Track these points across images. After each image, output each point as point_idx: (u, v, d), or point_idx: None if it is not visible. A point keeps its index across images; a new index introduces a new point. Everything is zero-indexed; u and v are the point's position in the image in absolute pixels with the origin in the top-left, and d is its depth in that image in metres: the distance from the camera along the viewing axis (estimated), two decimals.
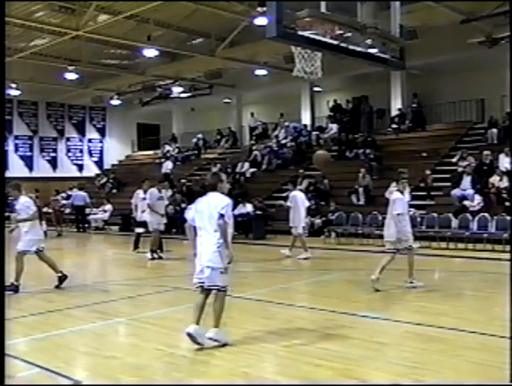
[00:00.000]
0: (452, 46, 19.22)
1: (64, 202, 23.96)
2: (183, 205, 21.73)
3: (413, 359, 5.46)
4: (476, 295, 9.29)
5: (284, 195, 17.92)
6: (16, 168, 30.37)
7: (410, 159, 19.02)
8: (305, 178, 19.66)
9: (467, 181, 16.30)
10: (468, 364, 5.36)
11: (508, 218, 14.09)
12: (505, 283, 8.62)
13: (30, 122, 31.98)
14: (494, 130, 19.19)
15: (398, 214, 9.22)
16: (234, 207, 19.85)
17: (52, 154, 32.90)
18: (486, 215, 14.57)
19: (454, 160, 18.16)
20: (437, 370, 5.14)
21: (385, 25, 8.78)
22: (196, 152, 29.76)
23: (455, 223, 14.94)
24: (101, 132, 34.88)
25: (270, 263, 12.96)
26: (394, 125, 22.61)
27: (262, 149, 25.14)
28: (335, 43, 8.24)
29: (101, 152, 34.88)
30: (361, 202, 18.71)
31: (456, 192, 16.29)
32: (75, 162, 33.82)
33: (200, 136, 30.09)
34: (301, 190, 14.75)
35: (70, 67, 23.78)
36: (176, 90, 27.24)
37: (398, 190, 9.51)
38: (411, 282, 9.21)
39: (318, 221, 17.96)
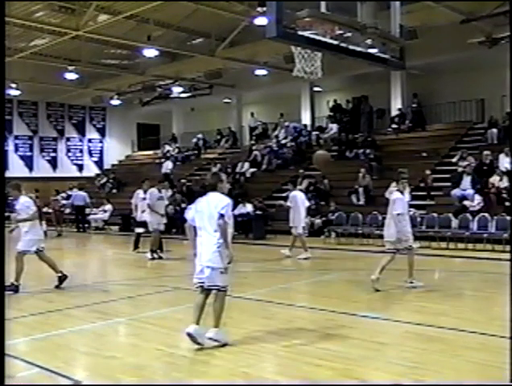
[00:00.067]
0: (451, 46, 19.22)
1: (63, 202, 23.97)
2: (183, 205, 21.73)
3: (413, 359, 5.46)
4: (476, 295, 9.29)
5: (284, 195, 17.92)
6: (16, 168, 30.37)
7: (410, 159, 19.02)
8: (305, 178, 19.66)
9: (467, 181, 16.30)
10: (468, 364, 5.36)
11: (508, 218, 14.08)
12: (505, 283, 8.62)
13: (30, 122, 31.99)
14: (494, 130, 19.19)
15: (398, 214, 9.23)
16: (234, 207, 19.86)
17: (52, 154, 32.90)
18: (486, 215, 14.57)
19: (454, 160, 18.17)
20: (437, 370, 5.14)
21: (385, 25, 8.78)
22: (196, 152, 29.76)
23: (455, 223, 14.94)
24: (101, 132, 34.88)
25: (270, 263, 12.96)
26: (394, 125, 22.61)
27: (262, 149, 25.14)
28: (335, 43, 8.24)
29: (101, 152, 34.88)
30: (361, 202, 18.71)
31: (456, 192, 16.29)
32: (75, 162, 33.82)
33: (200, 136, 30.10)
34: (301, 190, 14.74)
35: (70, 67, 23.78)
36: (176, 90, 27.25)
37: (398, 190, 9.50)
38: (411, 282, 9.22)
39: (318, 221, 17.96)
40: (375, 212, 16.50)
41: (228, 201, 6.04)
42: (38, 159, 32.28)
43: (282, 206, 14.20)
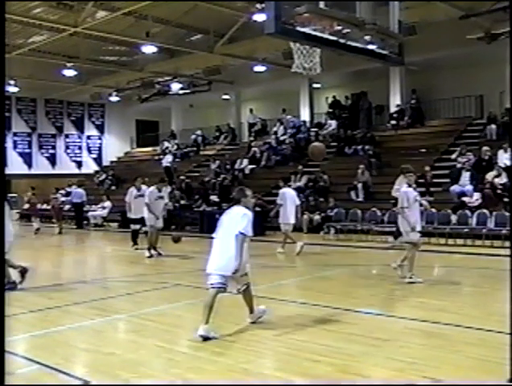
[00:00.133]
0: (450, 42, 19.21)
1: (63, 199, 23.95)
2: (182, 202, 21.79)
3: (412, 355, 5.46)
4: (475, 291, 9.30)
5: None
6: (15, 165, 30.35)
7: (409, 155, 19.02)
8: (304, 175, 19.65)
9: (466, 177, 16.30)
10: (467, 360, 5.36)
11: (507, 214, 14.09)
12: (504, 279, 8.62)
13: (28, 119, 31.97)
14: (493, 126, 19.18)
15: (402, 207, 9.24)
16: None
17: (51, 151, 32.90)
18: (485, 211, 14.58)
19: (453, 156, 18.16)
20: (436, 365, 5.15)
21: (383, 21, 8.79)
22: (194, 148, 29.76)
23: (454, 219, 14.95)
24: (100, 128, 34.87)
25: (270, 259, 12.96)
26: (393, 122, 22.60)
27: (261, 145, 25.15)
28: (334, 38, 8.25)
29: (100, 149, 34.87)
30: (360, 198, 18.72)
31: (454, 188, 16.30)
32: (74, 158, 33.82)
33: (198, 132, 30.09)
34: (297, 187, 14.71)
35: (68, 64, 23.77)
36: (175, 87, 27.23)
37: (407, 182, 9.55)
38: (410, 277, 9.23)
39: (317, 217, 17.96)
40: (374, 208, 16.53)
41: (248, 218, 6.29)
42: (37, 156, 32.27)
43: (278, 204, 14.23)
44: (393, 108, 23.00)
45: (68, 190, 25.17)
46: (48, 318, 7.43)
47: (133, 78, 27.25)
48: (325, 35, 8.17)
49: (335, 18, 8.09)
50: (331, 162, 22.04)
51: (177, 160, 28.56)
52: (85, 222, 23.29)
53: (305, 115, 26.35)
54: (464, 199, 15.71)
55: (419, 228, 9.42)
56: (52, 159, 32.90)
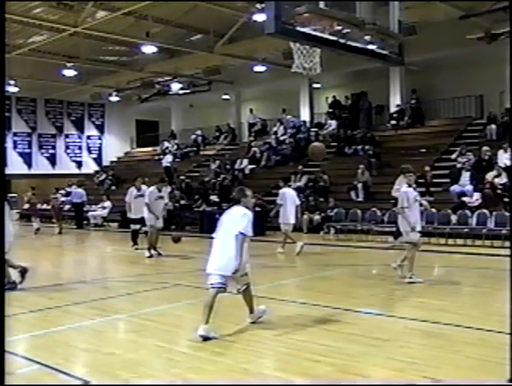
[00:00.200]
0: (450, 42, 19.21)
1: (63, 199, 23.95)
2: (182, 202, 21.79)
3: (412, 355, 5.46)
4: (475, 291, 9.31)
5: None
6: (15, 165, 30.35)
7: (409, 155, 19.02)
8: (304, 175, 19.65)
9: (466, 177, 16.30)
10: (467, 360, 5.36)
11: (507, 214, 14.09)
12: (504, 279, 8.62)
13: (28, 119, 31.97)
14: (493, 126, 19.18)
15: (402, 207, 9.25)
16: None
17: (51, 151, 32.90)
18: (485, 211, 14.57)
19: (453, 156, 18.15)
20: (436, 365, 5.15)
21: (383, 21, 8.78)
22: (194, 148, 29.76)
23: (454, 219, 14.95)
24: (100, 129, 34.87)
25: (270, 259, 12.96)
26: (393, 122, 22.60)
27: (261, 145, 25.14)
28: (334, 38, 8.25)
29: (100, 149, 34.88)
30: (360, 198, 18.72)
31: (454, 188, 16.30)
32: (74, 158, 33.83)
33: (198, 132, 30.09)
34: (297, 187, 14.72)
35: (68, 64, 23.78)
36: (175, 87, 27.23)
37: (407, 182, 9.56)
38: (410, 277, 9.23)
39: (317, 217, 17.96)
40: (374, 208, 16.53)
41: (248, 218, 6.30)
42: (37, 156, 32.28)
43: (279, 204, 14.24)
44: (393, 108, 23.00)
45: (68, 190, 25.17)
46: (48, 318, 7.43)
47: (133, 78, 27.26)
48: (325, 35, 8.17)
49: (335, 18, 8.09)
50: (331, 162, 22.04)
51: (177, 160, 28.56)
52: (85, 222, 23.29)
53: (305, 115, 26.35)
54: (464, 199, 15.71)
55: (419, 228, 9.42)
56: (52, 159, 32.90)
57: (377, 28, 8.47)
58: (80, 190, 23.53)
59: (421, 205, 9.72)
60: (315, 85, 26.40)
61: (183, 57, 24.31)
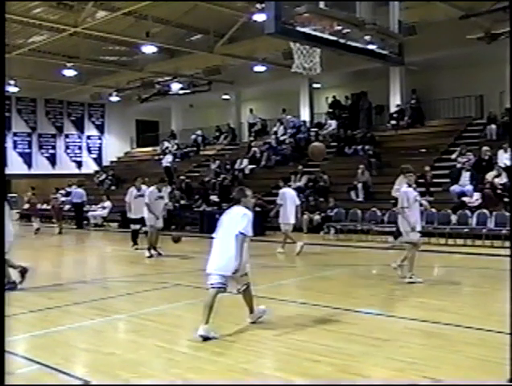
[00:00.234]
0: (450, 42, 19.21)
1: (63, 199, 23.96)
2: (182, 202, 21.78)
3: (412, 355, 5.46)
4: (475, 291, 9.31)
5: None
6: (15, 165, 30.35)
7: (409, 155, 19.02)
8: (304, 175, 19.65)
9: (466, 177, 16.30)
10: (467, 360, 5.36)
11: (507, 214, 14.09)
12: (504, 279, 8.62)
13: (28, 119, 31.97)
14: (493, 126, 19.18)
15: (402, 207, 9.30)
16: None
17: (51, 151, 32.90)
18: (485, 211, 14.57)
19: (453, 156, 18.14)
20: (436, 365, 5.15)
21: (383, 21, 8.78)
22: (194, 148, 29.76)
23: (454, 219, 14.95)
24: (100, 129, 34.88)
25: (270, 259, 12.96)
26: (393, 122, 22.60)
27: (261, 145, 25.14)
28: (333, 38, 8.24)
29: (100, 149, 34.88)
30: (360, 198, 18.72)
31: (454, 188, 16.30)
32: (74, 158, 33.83)
33: (198, 132, 30.09)
34: (297, 187, 14.70)
35: (68, 64, 23.78)
36: (175, 87, 27.23)
37: (407, 182, 9.56)
38: (410, 277, 9.23)
39: (317, 217, 17.96)
40: (374, 208, 16.53)
41: (248, 218, 6.31)
42: (37, 156, 32.28)
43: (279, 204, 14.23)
44: (393, 108, 23.00)
45: (68, 190, 25.18)
46: (48, 318, 7.43)
47: (133, 78, 27.25)
48: (325, 35, 8.17)
49: (335, 18, 8.09)
50: (331, 162, 22.04)
51: (177, 160, 28.56)
52: (85, 222, 23.29)
53: (305, 115, 26.36)
54: (464, 199, 15.71)
55: (418, 228, 9.43)
56: (52, 159, 32.90)
57: (377, 28, 8.47)
58: (80, 190, 23.54)
59: (421, 205, 9.73)
60: (315, 85, 26.40)
61: (183, 57, 24.31)
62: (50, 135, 32.84)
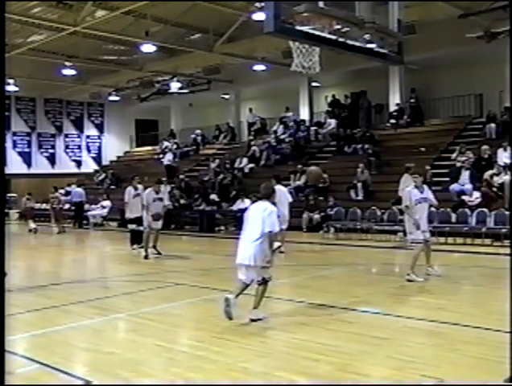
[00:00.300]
0: (450, 40, 19.20)
1: (63, 198, 23.98)
2: (181, 201, 21.78)
3: (411, 354, 5.46)
4: (474, 289, 9.32)
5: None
6: (14, 164, 30.32)
7: (408, 154, 19.01)
8: (303, 174, 19.63)
9: (465, 176, 16.30)
10: (466, 358, 5.37)
11: (506, 213, 14.09)
12: (503, 277, 8.64)
13: (28, 118, 31.96)
14: (493, 125, 19.18)
15: (406, 206, 9.37)
16: (233, 202, 19.92)
17: (51, 151, 32.88)
18: (485, 209, 14.58)
19: (453, 156, 18.12)
20: (435, 364, 5.15)
21: (383, 20, 8.77)
22: (194, 148, 29.76)
23: (453, 217, 14.95)
24: (100, 128, 34.86)
25: None
26: (392, 120, 22.59)
27: (261, 144, 25.13)
28: (333, 37, 8.23)
29: (100, 148, 34.86)
30: (360, 197, 18.72)
31: (454, 187, 16.30)
32: (73, 158, 33.82)
33: (198, 131, 30.07)
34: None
35: (68, 63, 23.76)
36: (174, 86, 27.19)
37: (414, 182, 9.64)
38: (408, 274, 9.23)
39: (317, 216, 17.95)
40: (374, 207, 16.52)
41: (275, 215, 6.69)
42: (36, 156, 32.27)
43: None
44: (392, 107, 22.99)
45: (68, 189, 25.20)
46: (48, 317, 7.44)
47: (132, 77, 27.21)
48: (324, 34, 8.16)
49: (334, 16, 8.08)
50: (330, 160, 22.05)
51: (177, 159, 28.55)
52: (85, 221, 23.29)
53: (305, 114, 26.36)
54: (464, 197, 15.71)
55: (423, 228, 9.42)
56: (52, 159, 32.89)
57: (376, 27, 8.45)
58: (80, 190, 23.56)
59: (431, 206, 9.83)
60: (314, 84, 26.39)
61: (182, 56, 24.29)
62: (49, 134, 32.82)
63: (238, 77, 27.40)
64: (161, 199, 13.77)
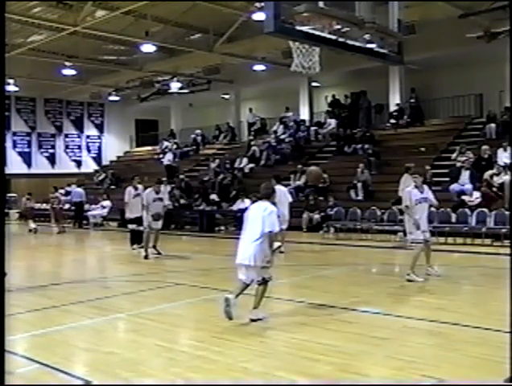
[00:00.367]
0: (450, 40, 19.20)
1: (63, 198, 23.98)
2: (181, 201, 21.79)
3: (411, 354, 5.46)
4: (474, 289, 9.32)
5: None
6: (14, 164, 30.33)
7: (408, 154, 19.01)
8: (303, 174, 19.63)
9: (465, 176, 16.30)
10: (466, 358, 5.37)
11: (506, 212, 14.09)
12: (503, 277, 8.64)
13: (28, 118, 31.96)
14: (493, 125, 19.18)
15: (406, 206, 9.42)
16: (233, 202, 19.92)
17: (51, 151, 32.89)
18: (485, 209, 14.58)
19: (453, 156, 18.11)
20: (435, 364, 5.15)
21: (383, 20, 8.78)
22: (194, 148, 29.76)
23: (453, 217, 14.95)
24: (100, 128, 34.86)
25: None
26: (392, 120, 22.60)
27: (261, 144, 25.13)
28: (333, 37, 8.25)
29: (100, 148, 34.87)
30: (360, 197, 18.71)
31: (454, 187, 16.30)
32: (73, 158, 33.82)
33: (198, 131, 30.07)
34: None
35: (68, 63, 23.76)
36: (174, 86, 27.21)
37: (414, 182, 9.65)
38: (408, 274, 9.24)
39: (317, 216, 17.95)
40: (374, 207, 16.52)
41: (275, 215, 6.69)
42: (36, 156, 32.27)
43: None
44: (392, 107, 22.99)
45: (68, 189, 25.19)
46: (48, 317, 7.44)
47: (132, 77, 27.23)
48: (324, 34, 8.17)
49: (334, 16, 8.09)
50: (330, 160, 22.05)
51: (177, 159, 28.55)
52: (85, 221, 23.29)
53: (304, 114, 26.36)
54: (464, 197, 15.71)
55: (423, 228, 9.42)
56: (52, 159, 32.89)
57: (376, 27, 8.47)
58: (80, 190, 23.56)
59: (431, 206, 9.84)
60: (314, 84, 26.39)
61: (182, 56, 24.29)
62: (49, 134, 32.82)
63: (238, 77, 27.41)
64: (161, 199, 13.77)
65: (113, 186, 28.38)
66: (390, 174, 17.84)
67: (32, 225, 21.06)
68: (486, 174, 15.89)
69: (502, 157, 16.74)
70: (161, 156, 28.63)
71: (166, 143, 30.34)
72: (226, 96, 29.83)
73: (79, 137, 34.04)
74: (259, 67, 24.98)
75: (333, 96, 25.34)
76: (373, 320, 7.02)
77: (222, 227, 19.86)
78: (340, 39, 8.38)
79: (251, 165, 24.24)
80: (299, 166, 20.89)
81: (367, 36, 8.72)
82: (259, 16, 16.32)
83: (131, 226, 14.66)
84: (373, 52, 9.16)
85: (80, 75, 25.96)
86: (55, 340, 6.30)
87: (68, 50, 23.12)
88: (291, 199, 13.79)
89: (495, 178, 15.65)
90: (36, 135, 32.27)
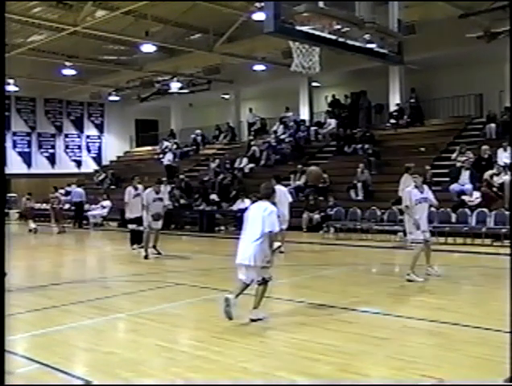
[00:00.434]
0: (450, 40, 19.20)
1: (63, 198, 23.97)
2: (181, 201, 21.79)
3: (411, 354, 5.46)
4: (474, 289, 9.32)
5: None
6: (14, 164, 30.33)
7: (408, 154, 19.01)
8: (303, 174, 19.63)
9: (465, 176, 16.30)
10: (466, 358, 5.37)
11: (506, 212, 14.09)
12: (503, 277, 8.64)
13: (28, 118, 31.96)
14: (493, 125, 19.17)
15: (406, 206, 9.46)
16: (233, 202, 19.92)
17: (51, 151, 32.89)
18: (485, 209, 14.58)
19: (453, 156, 18.11)
20: (436, 364, 5.15)
21: (383, 20, 8.79)
22: (194, 148, 29.76)
23: (453, 217, 14.95)
24: (100, 128, 34.87)
25: None
26: (392, 120, 22.59)
27: (261, 144, 25.13)
28: (333, 37, 8.25)
29: (100, 148, 34.87)
30: (360, 197, 18.71)
31: (454, 187, 16.30)
32: (73, 158, 33.82)
33: (198, 131, 30.07)
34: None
35: (68, 63, 23.76)
36: (174, 86, 27.21)
37: (414, 182, 9.66)
38: (408, 274, 9.24)
39: (317, 216, 17.95)
40: (374, 207, 16.52)
41: (275, 215, 6.71)
42: (36, 156, 32.27)
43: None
44: (392, 107, 22.99)
45: (68, 189, 25.19)
46: (48, 317, 7.44)
47: (132, 77, 27.23)
48: (324, 34, 8.17)
49: (334, 16, 8.09)
50: (330, 160, 22.05)
51: (177, 159, 28.55)
52: (85, 221, 23.28)
53: (305, 114, 26.36)
54: (464, 197, 15.71)
55: (423, 228, 9.42)
56: (52, 159, 32.90)
57: (376, 27, 8.47)
58: (80, 190, 23.56)
59: (431, 206, 9.84)
60: (314, 84, 26.39)
61: (182, 56, 24.29)
62: (49, 134, 32.82)
63: (238, 77, 27.41)
64: (161, 199, 13.77)
65: (113, 186, 28.38)
66: (390, 174, 17.84)
67: (32, 225, 21.07)
68: (486, 174, 15.89)
69: (502, 157, 16.74)
70: (161, 156, 28.63)
71: (166, 143, 30.34)
72: (226, 96, 29.84)
73: (79, 137, 34.04)
74: (259, 67, 24.98)
75: (333, 96, 25.35)
76: (373, 320, 7.02)
77: (222, 227, 19.86)
78: (340, 39, 8.38)
79: (251, 165, 24.24)
80: (299, 166, 20.89)
81: (367, 36, 8.72)
82: (259, 16, 16.32)
83: (131, 226, 14.66)
84: (373, 52, 9.16)
85: (80, 75, 25.95)
86: (55, 340, 6.30)
87: (68, 50, 23.11)
88: (291, 199, 13.76)
89: (495, 178, 15.64)
90: (36, 135, 32.27)
